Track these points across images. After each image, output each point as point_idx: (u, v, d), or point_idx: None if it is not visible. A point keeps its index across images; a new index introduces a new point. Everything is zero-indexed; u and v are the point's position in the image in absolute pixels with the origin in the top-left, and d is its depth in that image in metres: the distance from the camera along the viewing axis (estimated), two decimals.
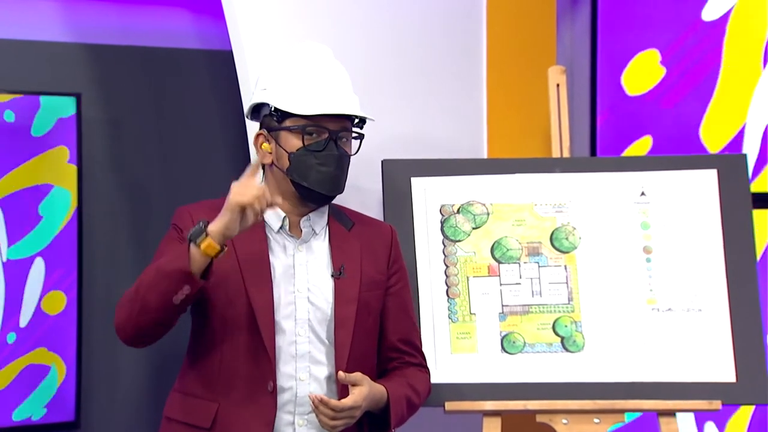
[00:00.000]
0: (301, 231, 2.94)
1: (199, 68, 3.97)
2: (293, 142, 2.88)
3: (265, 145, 2.92)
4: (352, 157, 2.94)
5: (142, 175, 3.92)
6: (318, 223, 2.96)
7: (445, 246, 3.43)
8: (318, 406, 2.80)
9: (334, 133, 2.87)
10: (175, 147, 3.95)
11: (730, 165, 3.49)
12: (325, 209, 2.98)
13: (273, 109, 2.89)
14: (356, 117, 2.92)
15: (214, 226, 2.74)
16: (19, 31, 3.72)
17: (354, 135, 2.93)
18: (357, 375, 2.85)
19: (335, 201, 2.96)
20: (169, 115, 3.94)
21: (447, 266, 3.42)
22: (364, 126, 2.95)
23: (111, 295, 3.83)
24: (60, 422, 3.74)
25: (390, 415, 2.91)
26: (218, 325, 2.88)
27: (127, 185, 3.90)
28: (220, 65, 3.84)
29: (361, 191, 3.44)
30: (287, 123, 2.89)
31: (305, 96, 2.88)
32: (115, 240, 3.87)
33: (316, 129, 2.87)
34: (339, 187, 2.90)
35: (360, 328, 2.92)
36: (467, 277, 3.41)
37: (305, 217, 2.94)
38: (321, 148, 2.87)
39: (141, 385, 3.92)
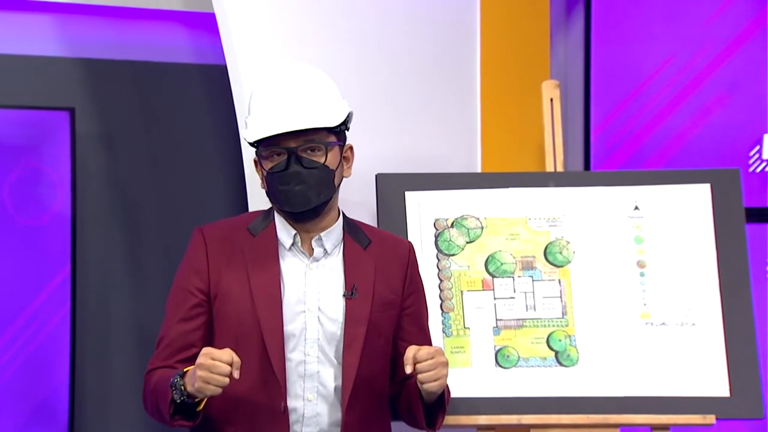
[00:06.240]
0: (313, 249, 2.94)
1: (193, 83, 3.97)
2: (265, 167, 2.90)
3: (259, 171, 2.95)
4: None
5: (135, 189, 3.91)
6: (330, 241, 2.94)
7: (439, 260, 3.43)
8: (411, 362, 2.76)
9: (292, 150, 2.86)
10: (169, 161, 3.95)
11: (723, 179, 3.49)
12: (338, 227, 2.96)
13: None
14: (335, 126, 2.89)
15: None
16: (12, 46, 3.72)
17: (333, 142, 2.89)
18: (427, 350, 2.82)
19: (360, 217, 2.96)
20: (163, 130, 3.94)
21: (441, 280, 3.41)
22: (348, 132, 2.93)
23: (104, 307, 3.83)
24: None
25: (445, 403, 2.91)
26: (227, 345, 2.82)
27: (121, 199, 3.89)
28: (215, 80, 3.85)
29: (356, 205, 3.43)
30: (259, 150, 2.91)
31: (257, 123, 2.88)
32: (108, 253, 3.87)
33: (275, 151, 2.88)
34: (308, 201, 2.87)
35: (369, 350, 2.90)
36: (461, 291, 3.41)
37: (316, 237, 2.93)
38: (282, 168, 2.87)
39: (135, 397, 3.89)
